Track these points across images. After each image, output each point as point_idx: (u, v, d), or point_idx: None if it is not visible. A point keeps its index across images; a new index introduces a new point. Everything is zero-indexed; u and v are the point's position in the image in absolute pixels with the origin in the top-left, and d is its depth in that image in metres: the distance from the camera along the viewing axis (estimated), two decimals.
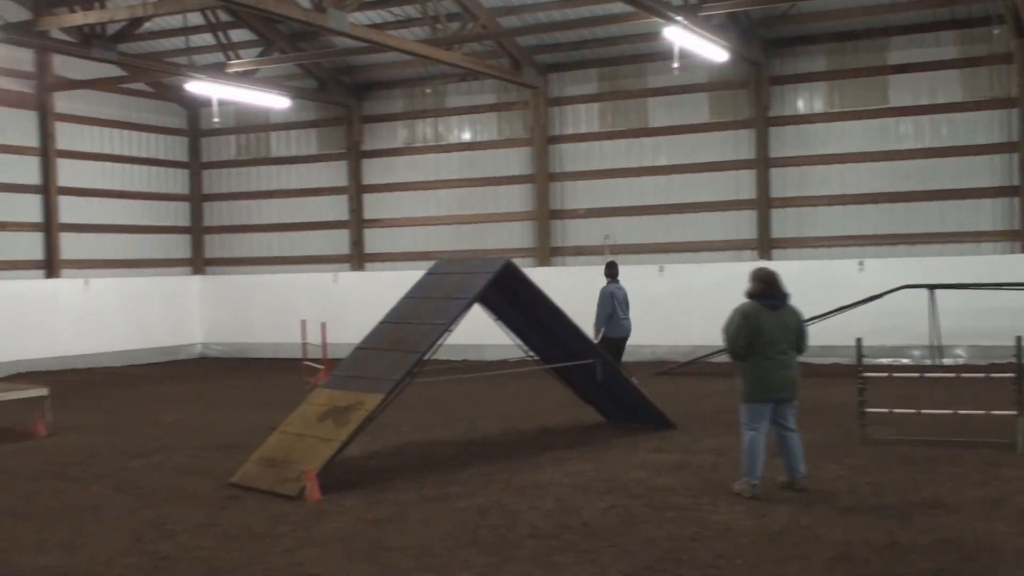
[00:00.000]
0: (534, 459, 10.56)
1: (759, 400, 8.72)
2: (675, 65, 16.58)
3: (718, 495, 8.74)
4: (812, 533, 7.57)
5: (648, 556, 7.08)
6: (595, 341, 13.83)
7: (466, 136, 22.54)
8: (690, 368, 18.05)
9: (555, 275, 19.62)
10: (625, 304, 14.75)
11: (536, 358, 12.43)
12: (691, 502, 8.55)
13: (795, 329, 8.80)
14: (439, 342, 10.17)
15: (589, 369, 11.80)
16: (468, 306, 10.44)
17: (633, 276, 20.36)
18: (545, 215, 21.54)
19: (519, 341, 12.22)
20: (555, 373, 12.52)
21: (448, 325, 10.17)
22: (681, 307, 19.80)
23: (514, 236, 21.89)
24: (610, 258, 16.71)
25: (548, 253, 21.47)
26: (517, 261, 11.42)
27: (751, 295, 8.76)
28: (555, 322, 11.65)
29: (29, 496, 9.43)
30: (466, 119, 22.52)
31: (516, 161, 22.00)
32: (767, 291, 8.73)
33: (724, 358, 17.29)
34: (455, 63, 18.84)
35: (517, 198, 21.97)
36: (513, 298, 11.63)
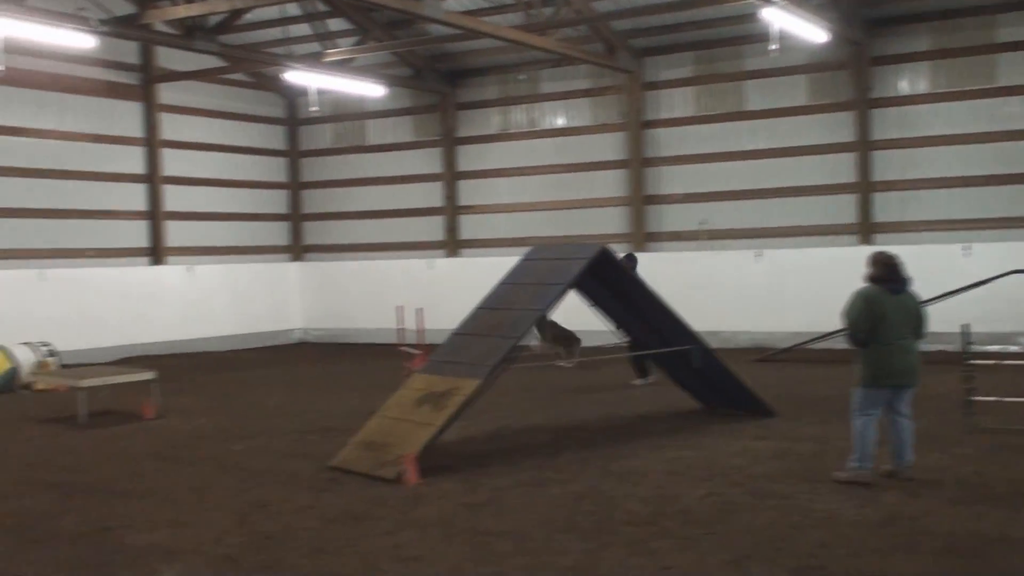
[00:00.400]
0: (630, 445, 10.53)
1: (878, 386, 8.55)
2: (773, 47, 16.30)
3: (819, 483, 8.61)
4: (917, 524, 7.41)
5: (748, 544, 7.01)
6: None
7: (560, 122, 22.50)
8: (789, 354, 17.79)
9: (650, 261, 19.45)
10: None
11: (632, 343, 12.38)
12: (792, 490, 8.44)
13: (916, 314, 8.63)
14: (535, 328, 10.17)
15: (685, 355, 11.70)
16: (564, 292, 10.43)
17: (730, 262, 20.28)
18: (640, 200, 21.40)
19: (614, 327, 12.17)
20: (651, 359, 12.44)
21: (544, 311, 10.18)
22: (779, 293, 19.53)
23: (609, 222, 21.80)
24: (628, 250, 16.78)
25: (643, 239, 21.33)
26: (612, 247, 11.36)
27: (872, 279, 8.59)
28: (651, 308, 11.58)
29: (138, 476, 9.70)
30: (560, 105, 22.47)
31: (610, 146, 21.89)
32: (889, 275, 8.56)
33: (824, 344, 17.12)
34: (549, 49, 18.79)
35: (612, 183, 21.86)
36: (608, 284, 11.58)
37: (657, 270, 16.90)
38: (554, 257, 11.20)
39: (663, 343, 11.82)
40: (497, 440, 11.08)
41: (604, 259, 10.87)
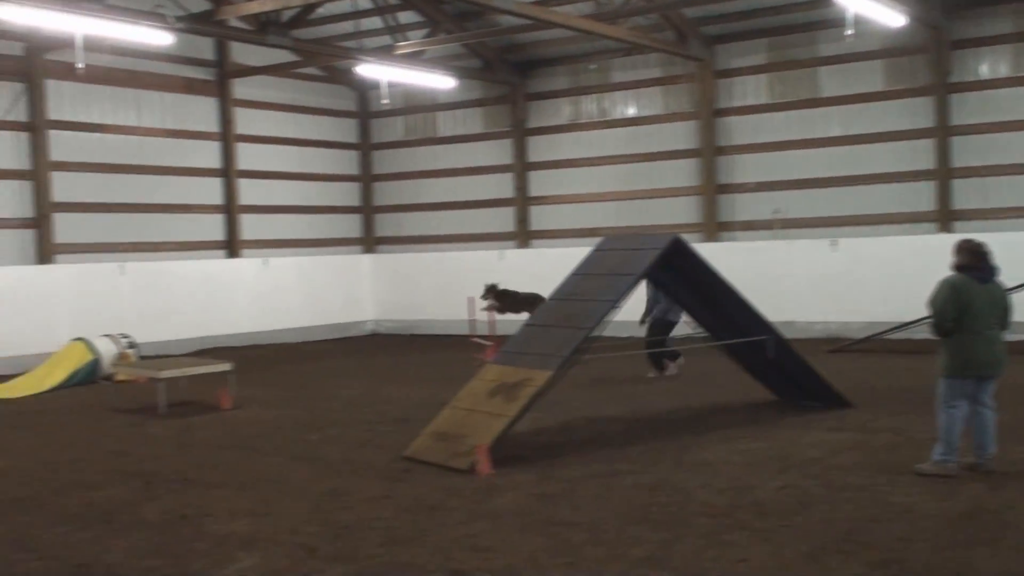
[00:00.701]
0: (704, 436, 10.46)
1: (963, 376, 8.41)
2: (848, 32, 16.04)
3: (898, 476, 8.48)
4: (1000, 517, 7.27)
5: (825, 537, 6.93)
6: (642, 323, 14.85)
7: (631, 111, 22.38)
8: (865, 345, 17.52)
9: (723, 251, 19.33)
10: None
11: (705, 334, 12.30)
12: (869, 482, 8.33)
13: (1002, 304, 8.47)
14: (607, 319, 10.16)
15: (759, 346, 11.59)
16: (636, 282, 10.39)
17: (804, 251, 20.01)
18: (712, 189, 21.23)
19: (688, 317, 12.10)
20: (724, 349, 12.35)
21: (616, 302, 10.15)
22: (855, 282, 19.24)
23: (680, 211, 21.65)
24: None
25: (715, 228, 21.15)
26: (684, 237, 11.28)
27: (959, 267, 8.44)
28: (724, 298, 11.48)
29: (216, 466, 9.88)
30: (631, 94, 22.35)
31: (682, 135, 21.73)
32: (977, 263, 8.41)
33: (902, 334, 16.83)
34: (620, 38, 18.70)
35: (683, 173, 21.71)
36: (681, 274, 11.51)
37: (730, 260, 16.73)
38: (626, 247, 11.16)
39: (737, 333, 11.71)
40: (569, 431, 11.08)
41: (677, 249, 10.81)
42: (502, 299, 17.57)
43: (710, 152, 21.21)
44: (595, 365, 12.58)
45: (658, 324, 14.86)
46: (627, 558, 6.63)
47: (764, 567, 6.42)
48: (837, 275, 19.38)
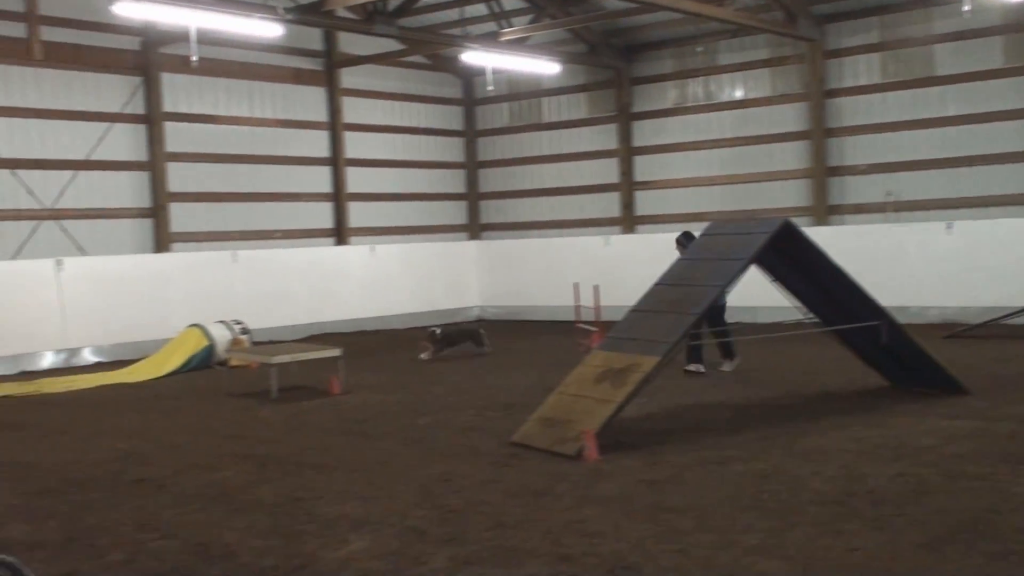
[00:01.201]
0: (815, 424, 10.28)
1: None
2: (965, 8, 15.56)
3: (1020, 465, 8.22)
4: None
5: (942, 526, 6.75)
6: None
7: (738, 94, 22.06)
8: (983, 330, 17.00)
9: (833, 234, 18.94)
10: None
11: (815, 320, 12.07)
12: (988, 472, 8.08)
13: None
14: (715, 304, 10.03)
15: (872, 331, 11.33)
16: (745, 267, 10.25)
17: (918, 234, 19.48)
18: (822, 172, 20.80)
19: (797, 303, 11.89)
20: (836, 335, 12.11)
21: (725, 287, 10.03)
22: (971, 266, 18.65)
23: (789, 195, 21.28)
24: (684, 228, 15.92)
25: (825, 212, 20.73)
26: (793, 220, 11.07)
27: None
28: (835, 283, 11.25)
29: (327, 449, 10.06)
30: (738, 76, 22.02)
31: (791, 117, 21.33)
32: None
33: (1022, 319, 16.27)
34: (727, 19, 18.43)
35: (792, 155, 21.32)
36: (791, 258, 11.31)
37: (841, 244, 16.39)
38: (735, 232, 11.02)
39: (848, 319, 11.48)
40: (677, 417, 11.00)
41: (787, 233, 10.62)
42: (440, 342, 17.17)
43: (820, 134, 20.78)
44: (703, 350, 12.46)
45: (715, 309, 13.83)
46: (738, 545, 6.56)
47: (879, 556, 6.29)
48: (953, 258, 18.83)
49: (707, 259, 10.67)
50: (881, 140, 20.27)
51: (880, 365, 12.18)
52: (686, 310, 10.05)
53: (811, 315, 12.05)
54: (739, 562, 6.27)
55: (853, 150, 20.63)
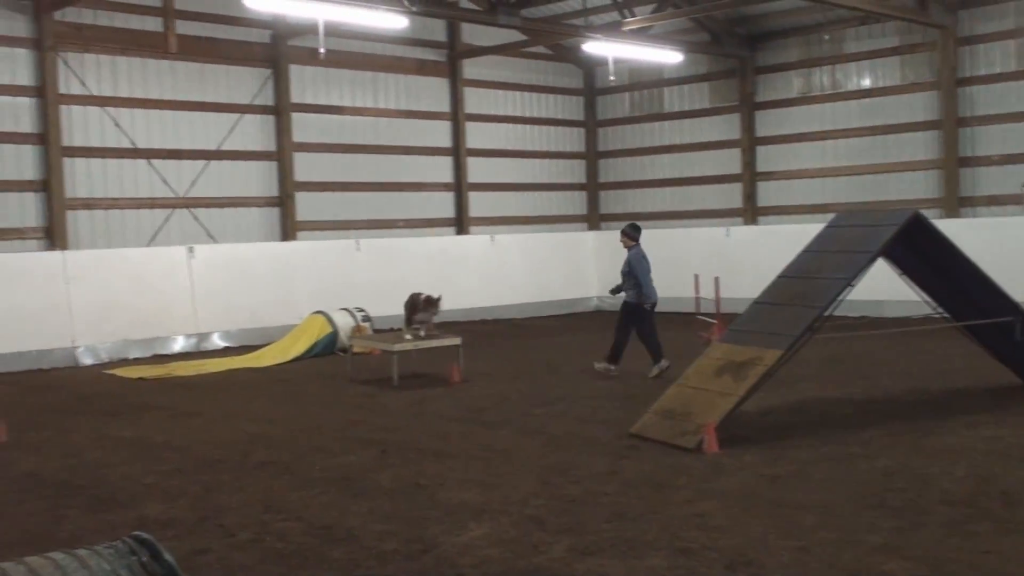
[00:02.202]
0: (943, 422, 9.99)
1: None
2: None
3: None
4: None
5: None
6: (647, 308, 13.63)
7: (865, 83, 21.51)
8: None
9: (965, 227, 18.33)
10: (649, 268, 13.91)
11: (944, 315, 11.71)
12: None
13: None
14: (840, 297, 9.83)
15: (1006, 327, 10.94)
16: (872, 260, 10.00)
17: None
18: (953, 163, 20.15)
19: (926, 297, 11.55)
20: (966, 331, 11.73)
21: (850, 280, 9.80)
22: None
23: (918, 186, 20.68)
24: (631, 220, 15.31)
25: (956, 204, 20.09)
26: (923, 212, 10.75)
27: None
28: (966, 277, 10.89)
29: (447, 437, 10.17)
30: (866, 64, 21.48)
31: (921, 106, 20.72)
32: None
33: None
34: (854, 6, 17.99)
35: (921, 145, 20.71)
36: (920, 252, 10.99)
37: (973, 237, 15.85)
38: (862, 224, 10.74)
39: (980, 314, 11.10)
40: (799, 412, 10.81)
41: (916, 225, 10.32)
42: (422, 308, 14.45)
43: (951, 123, 20.13)
44: (827, 345, 12.24)
45: (633, 312, 13.85)
46: (862, 544, 6.41)
47: (1012, 559, 6.07)
48: None
49: (833, 252, 10.43)
50: (1016, 130, 19.52)
51: (1013, 363, 11.75)
52: (810, 303, 9.85)
53: (940, 310, 11.70)
54: (863, 561, 6.13)
55: (986, 140, 19.93)
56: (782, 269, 10.72)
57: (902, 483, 7.77)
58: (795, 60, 22.44)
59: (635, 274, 13.82)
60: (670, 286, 22.41)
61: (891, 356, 14.53)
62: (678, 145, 24.34)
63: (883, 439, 9.29)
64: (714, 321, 16.54)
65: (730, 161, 23.42)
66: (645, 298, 13.83)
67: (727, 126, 23.50)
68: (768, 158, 22.94)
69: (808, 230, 11.57)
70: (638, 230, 14.26)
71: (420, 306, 14.15)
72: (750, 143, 23.06)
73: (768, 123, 22.93)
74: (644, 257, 13.95)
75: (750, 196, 23.07)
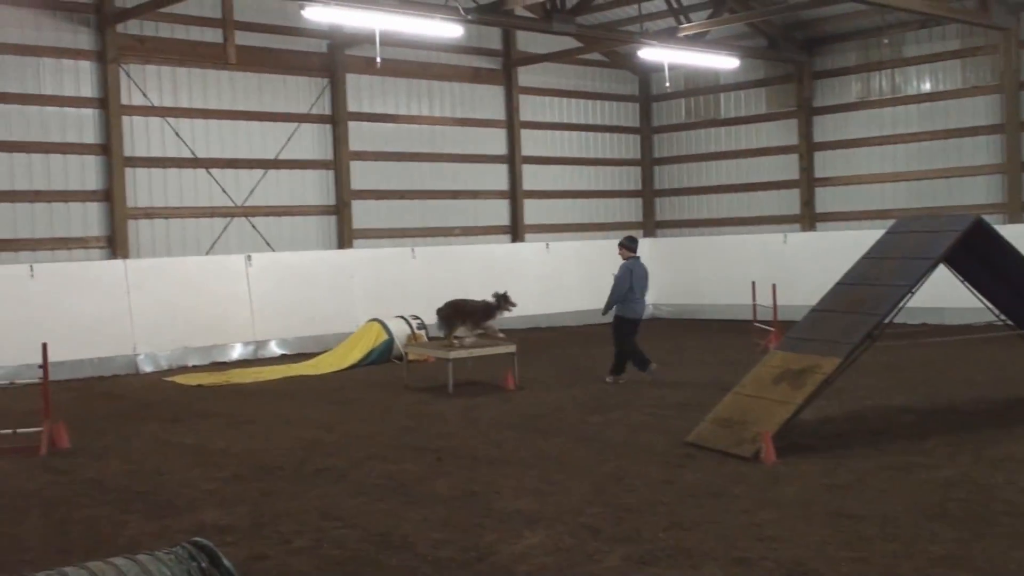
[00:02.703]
0: (1007, 431, 9.82)
1: None
2: None
3: None
4: None
5: None
6: (604, 316, 13.36)
7: (926, 86, 21.22)
8: None
9: None
10: (643, 283, 13.68)
11: (1007, 322, 11.50)
12: None
13: None
14: (900, 304, 9.70)
15: None
16: (933, 267, 9.86)
17: None
18: (1017, 167, 19.81)
19: (988, 303, 11.36)
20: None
21: (911, 287, 9.67)
22: None
23: (980, 191, 20.36)
24: (629, 233, 15.04)
25: (1020, 208, 19.74)
26: (985, 218, 10.58)
27: None
28: None
29: (502, 444, 10.18)
30: (926, 68, 21.19)
31: (983, 110, 20.40)
32: None
33: None
34: (915, 9, 17.75)
35: (983, 150, 20.38)
36: (982, 257, 10.81)
37: None
38: (922, 230, 10.59)
39: None
40: (858, 421, 10.68)
41: (979, 231, 10.15)
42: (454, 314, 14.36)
43: (1014, 127, 19.80)
44: (887, 352, 12.08)
45: (622, 323, 13.88)
46: (923, 555, 6.31)
47: None
48: None
49: (893, 258, 10.30)
50: None
51: None
52: (870, 310, 9.73)
53: (1003, 317, 11.49)
54: (924, 572, 6.04)
55: None
56: (841, 276, 10.62)
57: (964, 493, 7.65)
58: (854, 64, 22.21)
59: (614, 285, 13.84)
60: (727, 293, 22.43)
61: (952, 364, 14.31)
62: (734, 151, 24.18)
63: (945, 448, 9.16)
64: (771, 329, 16.40)
65: (787, 167, 23.22)
66: (630, 311, 13.88)
67: (784, 131, 23.31)
68: (826, 163, 22.71)
69: (867, 236, 11.44)
70: (635, 242, 14.31)
71: (482, 312, 14.15)
72: (808, 148, 22.85)
73: (826, 128, 22.70)
74: (633, 271, 13.88)
75: (808, 202, 22.85)
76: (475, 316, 14.13)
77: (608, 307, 13.98)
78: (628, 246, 14.12)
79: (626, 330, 13.96)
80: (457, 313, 14.21)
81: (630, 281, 13.76)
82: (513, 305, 14.22)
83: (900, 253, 10.27)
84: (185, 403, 13.56)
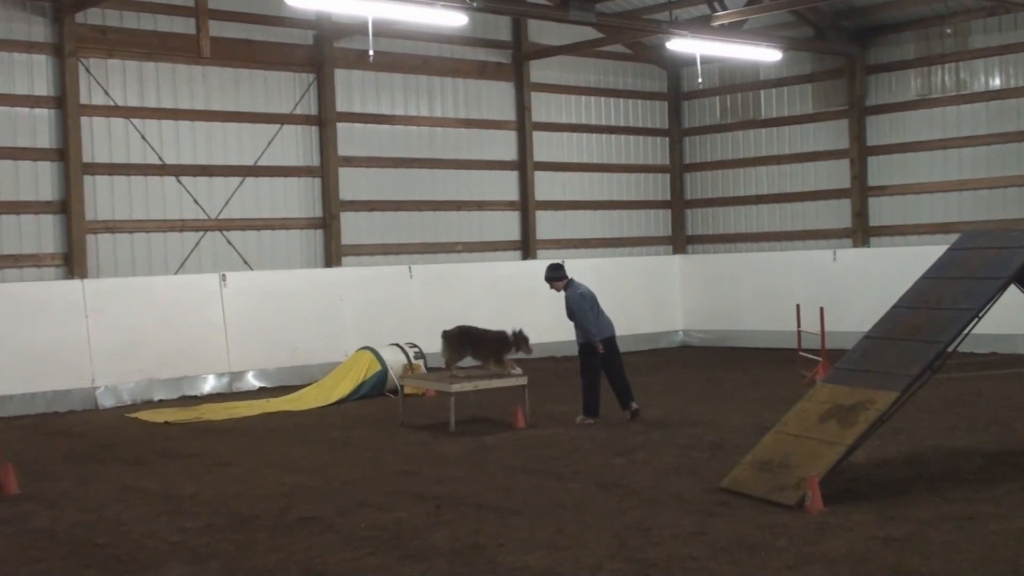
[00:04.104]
0: None
1: None
2: None
3: None
4: None
5: None
6: (599, 350, 13.75)
7: (996, 82, 21.24)
8: None
9: None
10: (593, 302, 14.03)
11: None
12: None
13: None
14: (966, 331, 9.70)
15: None
16: (1003, 287, 9.85)
17: None
18: None
19: None
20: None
21: (978, 311, 9.67)
22: None
23: None
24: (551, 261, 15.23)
25: None
26: None
27: None
28: None
29: (510, 490, 10.18)
30: (995, 62, 21.21)
31: None
32: None
33: None
34: None
35: None
36: None
37: None
38: (991, 246, 10.59)
39: None
40: (917, 464, 10.66)
41: None
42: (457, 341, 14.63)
43: None
44: (950, 386, 12.08)
45: (586, 353, 14.10)
46: None
47: None
48: None
49: (956, 278, 10.30)
50: None
51: None
52: (930, 338, 9.73)
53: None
54: None
55: None
56: (897, 298, 10.63)
57: None
58: (912, 57, 22.24)
59: (576, 316, 14.06)
60: (767, 318, 22.43)
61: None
62: (777, 156, 24.21)
63: (1019, 495, 9.15)
64: (818, 359, 16.38)
65: (837, 174, 23.24)
66: (592, 336, 13.99)
67: (833, 134, 23.33)
68: (881, 170, 22.72)
69: (928, 253, 11.47)
70: (559, 268, 14.44)
71: (495, 343, 14.29)
72: (860, 153, 22.86)
73: (881, 130, 22.72)
74: (583, 294, 14.11)
75: (860, 214, 22.85)
76: (487, 347, 14.24)
77: (593, 335, 14.06)
78: (555, 276, 14.37)
79: (595, 356, 14.12)
80: (467, 340, 14.27)
81: (588, 304, 14.07)
82: (529, 350, 14.46)
83: (965, 272, 10.27)
84: (150, 442, 13.57)
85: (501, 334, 14.37)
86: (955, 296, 10.05)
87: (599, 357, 14.06)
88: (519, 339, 14.34)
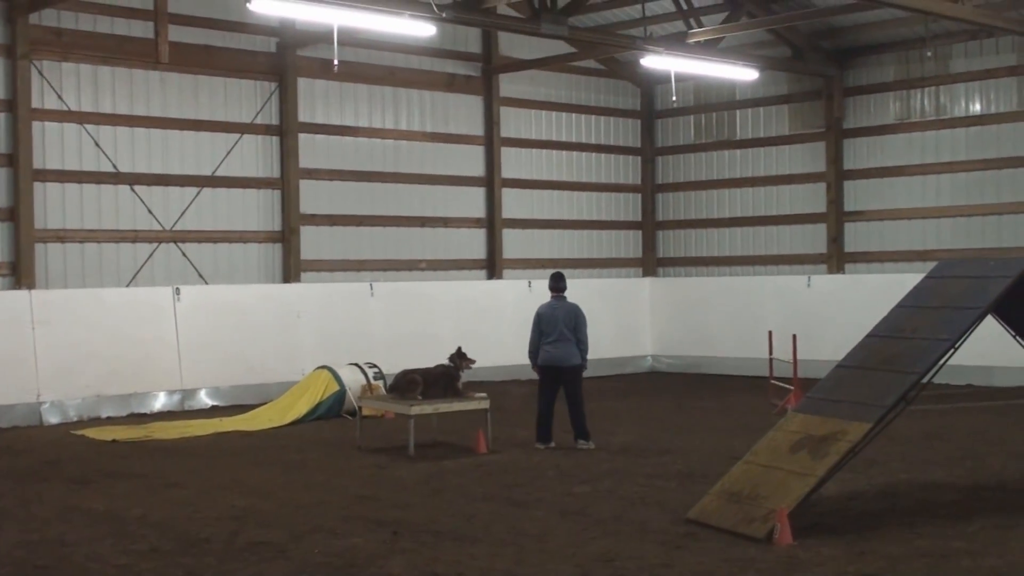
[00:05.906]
0: None
1: None
2: None
3: None
4: None
5: None
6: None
7: (976, 108, 21.45)
8: None
9: None
10: (553, 325, 14.23)
11: None
12: None
13: None
14: (941, 362, 9.76)
15: None
16: (980, 318, 9.93)
17: None
18: None
19: None
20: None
21: (954, 342, 9.74)
22: None
23: None
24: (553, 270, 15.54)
25: None
26: None
27: None
28: None
29: (471, 518, 10.15)
30: (976, 86, 21.43)
31: None
32: None
33: None
34: (963, 18, 17.97)
35: None
36: None
37: None
38: (969, 274, 10.68)
39: None
40: (889, 497, 10.71)
41: None
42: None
43: None
44: (925, 418, 12.15)
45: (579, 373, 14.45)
46: None
47: None
48: None
49: (933, 307, 10.38)
50: None
51: None
52: (905, 368, 9.79)
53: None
54: None
55: None
56: (872, 327, 10.69)
57: None
58: (892, 80, 22.44)
59: (580, 331, 14.65)
60: (738, 345, 22.50)
61: (1002, 432, 14.36)
62: (751, 178, 24.34)
63: (991, 533, 9.19)
64: (790, 387, 16.44)
65: (813, 198, 23.38)
66: (537, 360, 14.49)
67: (810, 156, 23.49)
68: (858, 195, 22.87)
69: (904, 280, 11.54)
70: (555, 279, 15.17)
71: (442, 379, 14.28)
72: (837, 177, 23.01)
73: (859, 153, 22.89)
74: (536, 315, 14.70)
75: (836, 239, 22.99)
76: (439, 383, 14.24)
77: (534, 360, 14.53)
78: (566, 286, 15.07)
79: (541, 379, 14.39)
80: (412, 385, 14.17)
81: (534, 324, 14.59)
82: (472, 362, 14.53)
83: (942, 302, 10.34)
84: (97, 461, 13.46)
85: (442, 368, 14.42)
86: (931, 326, 10.11)
87: (547, 382, 14.27)
88: (460, 360, 14.44)
